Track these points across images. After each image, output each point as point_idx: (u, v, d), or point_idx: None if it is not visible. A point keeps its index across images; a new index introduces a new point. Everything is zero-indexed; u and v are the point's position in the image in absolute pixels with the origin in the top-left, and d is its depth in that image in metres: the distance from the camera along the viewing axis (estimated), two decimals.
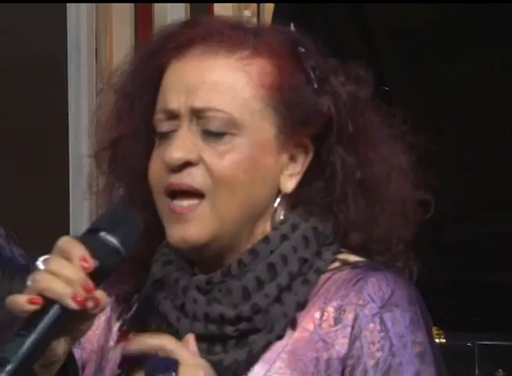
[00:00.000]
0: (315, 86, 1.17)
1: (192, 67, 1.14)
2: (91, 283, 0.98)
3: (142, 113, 1.18)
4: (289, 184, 1.16)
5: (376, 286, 1.10)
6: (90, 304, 0.98)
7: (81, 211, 2.95)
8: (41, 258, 1.00)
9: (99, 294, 0.99)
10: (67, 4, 3.19)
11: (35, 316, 0.96)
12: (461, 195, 2.81)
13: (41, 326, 0.95)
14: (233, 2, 3.13)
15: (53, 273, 0.98)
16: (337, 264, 1.15)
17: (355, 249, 1.17)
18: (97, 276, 0.99)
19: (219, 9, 3.05)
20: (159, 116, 1.15)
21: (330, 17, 2.90)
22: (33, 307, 0.96)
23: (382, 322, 1.08)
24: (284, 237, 1.14)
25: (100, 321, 1.20)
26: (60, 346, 1.00)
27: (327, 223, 1.17)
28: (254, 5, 3.16)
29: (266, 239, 1.15)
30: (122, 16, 3.17)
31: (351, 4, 2.88)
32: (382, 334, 1.08)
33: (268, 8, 2.97)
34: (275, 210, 1.16)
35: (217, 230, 1.12)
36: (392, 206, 1.18)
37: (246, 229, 1.15)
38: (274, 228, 1.15)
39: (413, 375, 1.08)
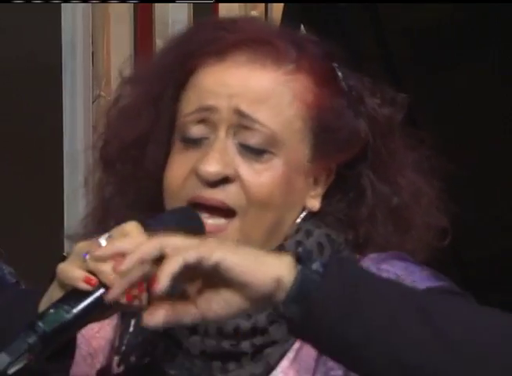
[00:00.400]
0: (354, 109, 1.15)
1: (237, 74, 1.11)
2: (143, 283, 0.94)
3: (166, 114, 1.15)
4: (316, 203, 1.16)
5: (392, 273, 1.08)
6: (136, 303, 0.94)
7: (76, 211, 2.83)
8: (105, 235, 0.96)
9: (144, 296, 0.95)
10: (62, 3, 3.10)
11: (81, 294, 0.93)
12: (483, 212, 2.72)
13: (84, 306, 0.93)
14: (240, 2, 3.04)
15: (114, 257, 0.94)
16: None
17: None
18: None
19: (224, 10, 2.96)
20: (190, 118, 1.12)
21: (342, 18, 2.83)
22: (85, 287, 0.93)
23: None
24: (299, 244, 1.14)
25: (104, 325, 1.16)
26: None
27: (339, 232, 1.17)
28: (261, 6, 3.09)
29: (281, 246, 1.13)
30: (120, 17, 3.08)
31: (364, 4, 2.81)
32: None
33: (277, 8, 2.89)
34: (298, 227, 1.16)
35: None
36: (419, 232, 1.18)
37: (268, 245, 1.13)
38: (290, 236, 1.15)
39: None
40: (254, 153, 1.11)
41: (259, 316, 1.07)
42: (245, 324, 1.07)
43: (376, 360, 0.93)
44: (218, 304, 0.91)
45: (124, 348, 1.16)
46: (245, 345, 1.08)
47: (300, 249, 1.08)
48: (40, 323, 0.91)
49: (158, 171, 1.15)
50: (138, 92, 1.20)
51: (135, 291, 0.93)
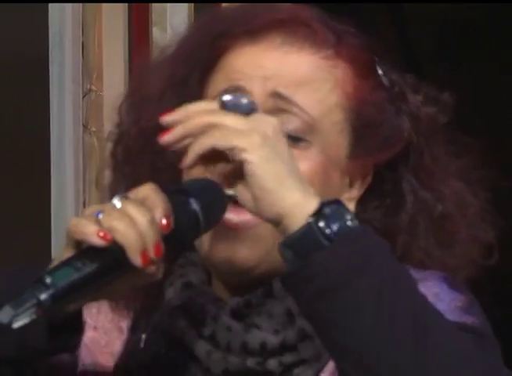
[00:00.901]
0: (396, 105, 1.13)
1: (272, 56, 1.09)
2: (162, 246, 0.92)
3: (190, 99, 1.08)
4: (349, 207, 1.06)
5: (433, 292, 1.02)
6: (152, 268, 0.92)
7: (64, 215, 2.79)
8: (119, 196, 0.94)
9: (160, 263, 0.93)
10: None
11: (94, 252, 0.91)
12: None
13: (97, 266, 0.91)
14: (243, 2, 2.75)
15: (130, 218, 0.91)
16: None
17: None
18: (167, 242, 0.93)
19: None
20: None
21: (365, 18, 2.88)
22: (100, 242, 0.90)
23: None
24: None
25: (112, 339, 1.12)
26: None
27: None
28: None
29: None
30: (114, 6, 2.93)
31: (390, 4, 2.87)
32: None
33: None
34: None
35: (270, 252, 1.05)
36: (463, 247, 1.15)
37: None
38: None
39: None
40: (291, 140, 1.05)
41: (288, 332, 1.04)
42: (272, 340, 1.03)
43: (340, 346, 0.90)
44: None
45: (133, 364, 1.11)
46: (272, 364, 1.04)
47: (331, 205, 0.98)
48: (49, 278, 0.88)
49: (179, 163, 1.07)
50: (159, 76, 1.16)
51: (152, 253, 0.91)
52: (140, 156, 1.16)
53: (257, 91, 1.08)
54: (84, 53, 2.94)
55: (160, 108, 1.11)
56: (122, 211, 0.92)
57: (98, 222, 0.92)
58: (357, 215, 1.07)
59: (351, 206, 1.10)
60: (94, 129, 2.74)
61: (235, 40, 1.11)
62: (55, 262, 0.93)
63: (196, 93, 1.13)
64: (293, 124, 1.08)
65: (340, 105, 1.10)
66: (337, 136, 1.11)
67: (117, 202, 0.94)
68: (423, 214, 1.13)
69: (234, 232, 1.06)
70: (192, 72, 1.14)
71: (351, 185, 1.14)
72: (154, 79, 1.17)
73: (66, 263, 0.91)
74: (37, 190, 3.04)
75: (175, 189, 0.99)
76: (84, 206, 2.71)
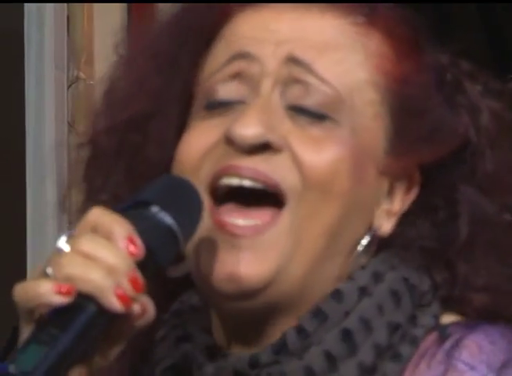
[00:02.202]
0: (447, 94, 1.06)
1: (287, 18, 1.03)
2: (140, 277, 0.84)
3: (178, 82, 1.07)
4: (385, 223, 1.03)
5: (475, 348, 0.97)
6: (136, 308, 0.84)
7: (42, 233, 2.69)
8: (64, 237, 0.87)
9: (145, 298, 0.85)
10: None
11: (60, 316, 0.83)
12: None
13: (70, 332, 0.82)
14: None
15: (87, 257, 0.84)
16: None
17: (474, 313, 1.05)
18: (144, 270, 0.85)
19: None
20: (218, 75, 1.02)
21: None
22: (61, 300, 0.82)
23: None
24: (363, 291, 1.00)
25: None
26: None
27: (423, 275, 1.05)
28: None
29: (337, 293, 1.00)
30: None
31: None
32: None
33: None
34: (359, 259, 1.03)
35: (283, 267, 0.97)
36: None
37: (320, 272, 0.99)
38: (348, 277, 1.01)
39: None
40: (311, 116, 0.98)
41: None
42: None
43: None
44: None
45: None
46: None
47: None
48: (14, 367, 0.81)
49: (163, 159, 1.04)
50: (139, 59, 1.11)
51: (129, 290, 0.83)
52: (116, 154, 1.11)
53: (269, 57, 1.02)
54: (69, 31, 2.70)
55: (137, 97, 1.09)
56: (75, 253, 0.85)
57: (50, 277, 0.85)
58: (402, 232, 1.05)
59: (389, 223, 1.04)
60: (82, 129, 2.28)
61: (238, 7, 1.07)
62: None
63: (187, 73, 1.08)
64: (313, 98, 1.01)
65: (374, 82, 1.04)
66: (371, 121, 1.03)
67: (63, 244, 0.86)
68: (486, 233, 1.07)
69: (238, 240, 0.97)
70: (181, 49, 1.10)
71: (391, 192, 1.05)
72: (136, 62, 1.13)
73: (28, 342, 0.83)
74: (9, 209, 2.90)
75: (131, 203, 0.91)
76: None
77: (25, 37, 2.71)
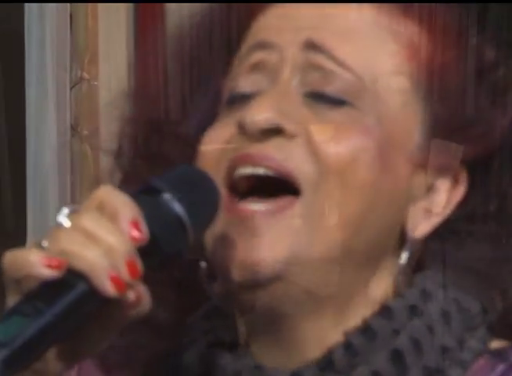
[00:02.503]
0: (490, 83, 1.04)
1: (309, 7, 1.03)
2: (138, 262, 0.82)
3: (214, 84, 1.07)
4: (423, 224, 0.99)
5: None
6: (130, 295, 0.82)
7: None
8: (65, 210, 0.85)
9: (141, 287, 0.83)
10: None
11: (47, 290, 0.81)
12: None
13: (56, 308, 0.80)
14: None
15: (87, 234, 0.82)
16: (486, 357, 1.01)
17: None
18: (145, 259, 0.84)
19: None
20: (240, 67, 1.02)
21: None
22: (51, 273, 0.80)
23: None
24: (413, 310, 0.97)
25: None
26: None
27: (473, 297, 1.02)
28: None
29: (387, 310, 0.97)
30: None
31: None
32: None
33: None
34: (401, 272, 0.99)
35: (300, 253, 0.94)
36: None
37: (340, 269, 0.95)
38: (397, 293, 0.98)
39: None
40: (329, 102, 0.97)
41: None
42: None
43: None
44: None
45: None
46: None
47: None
48: None
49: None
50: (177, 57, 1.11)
51: (125, 274, 0.81)
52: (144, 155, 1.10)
53: (287, 44, 1.00)
54: (72, 28, 2.64)
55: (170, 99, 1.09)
56: (74, 229, 0.83)
57: (44, 249, 0.83)
58: (446, 247, 1.01)
59: (430, 224, 0.99)
60: (86, 132, 2.51)
61: (265, 6, 1.06)
62: None
63: (220, 76, 1.07)
64: (333, 84, 0.98)
65: (405, 72, 1.01)
66: (399, 110, 1.00)
67: (63, 219, 0.84)
68: None
69: (250, 223, 0.94)
70: (212, 54, 1.09)
71: (431, 189, 1.01)
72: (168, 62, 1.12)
73: (11, 312, 0.81)
74: (9, 214, 2.87)
75: (144, 188, 0.89)
76: None
77: (25, 34, 2.64)
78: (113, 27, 2.51)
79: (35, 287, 0.82)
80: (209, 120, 1.07)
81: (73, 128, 2.48)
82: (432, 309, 0.99)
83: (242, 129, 0.97)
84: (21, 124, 2.70)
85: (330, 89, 0.99)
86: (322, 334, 0.97)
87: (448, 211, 1.02)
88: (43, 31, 2.62)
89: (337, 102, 0.99)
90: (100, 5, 2.60)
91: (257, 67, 1.01)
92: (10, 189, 2.77)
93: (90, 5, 2.60)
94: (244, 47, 1.05)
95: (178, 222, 0.89)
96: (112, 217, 0.85)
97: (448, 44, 1.04)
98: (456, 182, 1.03)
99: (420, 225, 1.00)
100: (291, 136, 0.96)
